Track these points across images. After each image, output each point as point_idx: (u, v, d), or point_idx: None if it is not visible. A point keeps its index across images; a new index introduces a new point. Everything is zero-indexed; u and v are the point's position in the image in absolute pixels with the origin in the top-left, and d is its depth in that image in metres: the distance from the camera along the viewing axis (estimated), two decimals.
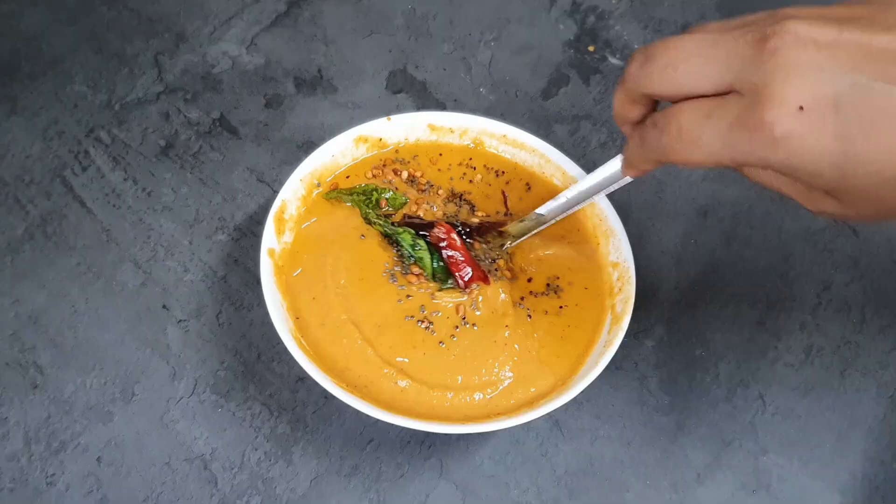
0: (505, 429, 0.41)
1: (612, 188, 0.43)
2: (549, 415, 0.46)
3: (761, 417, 0.48)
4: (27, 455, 0.43)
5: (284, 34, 0.63)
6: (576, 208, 0.46)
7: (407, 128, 0.51)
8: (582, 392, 0.41)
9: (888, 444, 0.47)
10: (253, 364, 0.47)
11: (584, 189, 0.44)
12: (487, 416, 0.42)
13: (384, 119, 0.51)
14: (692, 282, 0.53)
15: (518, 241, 0.48)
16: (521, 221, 0.48)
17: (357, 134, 0.50)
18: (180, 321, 0.48)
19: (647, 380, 0.48)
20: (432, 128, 0.52)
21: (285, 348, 0.41)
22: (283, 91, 0.59)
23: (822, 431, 0.47)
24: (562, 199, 0.46)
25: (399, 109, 0.59)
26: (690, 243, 0.54)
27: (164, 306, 0.49)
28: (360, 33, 0.63)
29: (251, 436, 0.44)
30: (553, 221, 0.47)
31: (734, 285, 0.53)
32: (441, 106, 0.60)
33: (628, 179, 0.41)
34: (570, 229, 0.50)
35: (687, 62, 0.30)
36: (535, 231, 0.48)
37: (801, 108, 0.27)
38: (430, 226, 0.47)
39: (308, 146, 0.56)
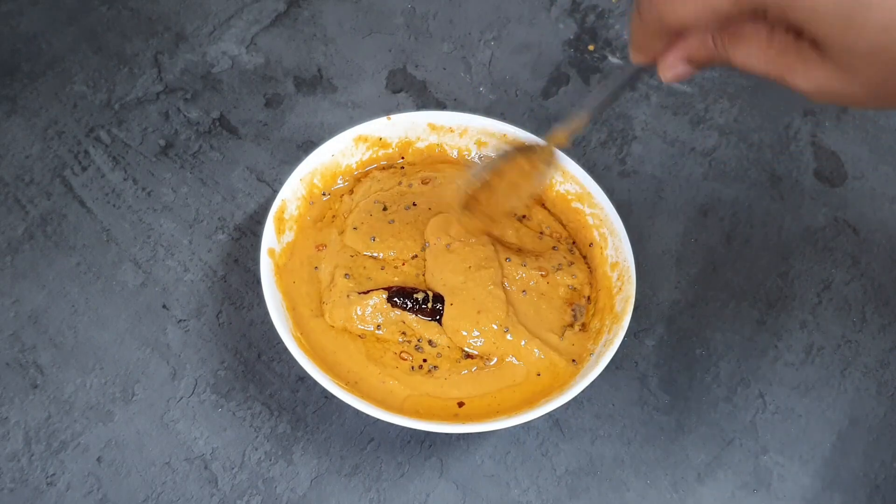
0: (505, 428, 0.41)
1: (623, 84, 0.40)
2: (550, 414, 0.46)
3: (762, 416, 0.48)
4: (27, 455, 0.43)
5: (284, 34, 0.63)
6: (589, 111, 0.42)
7: (407, 127, 0.51)
8: (582, 391, 0.41)
9: (889, 444, 0.47)
10: (253, 364, 0.47)
11: (598, 100, 0.40)
12: (488, 416, 0.42)
13: (384, 118, 0.51)
14: (692, 281, 0.53)
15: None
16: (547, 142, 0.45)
17: (357, 133, 0.50)
18: (180, 321, 0.48)
19: (648, 379, 0.48)
20: (432, 127, 0.52)
21: (285, 348, 0.41)
22: (282, 91, 0.59)
23: (822, 430, 0.47)
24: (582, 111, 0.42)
25: (399, 109, 0.59)
26: (691, 242, 0.54)
27: (164, 306, 0.48)
28: (359, 33, 0.63)
29: (251, 435, 0.44)
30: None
31: (734, 284, 0.53)
32: (441, 105, 0.60)
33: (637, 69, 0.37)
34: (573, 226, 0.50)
35: None
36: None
37: None
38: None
39: (308, 146, 0.56)
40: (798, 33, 0.27)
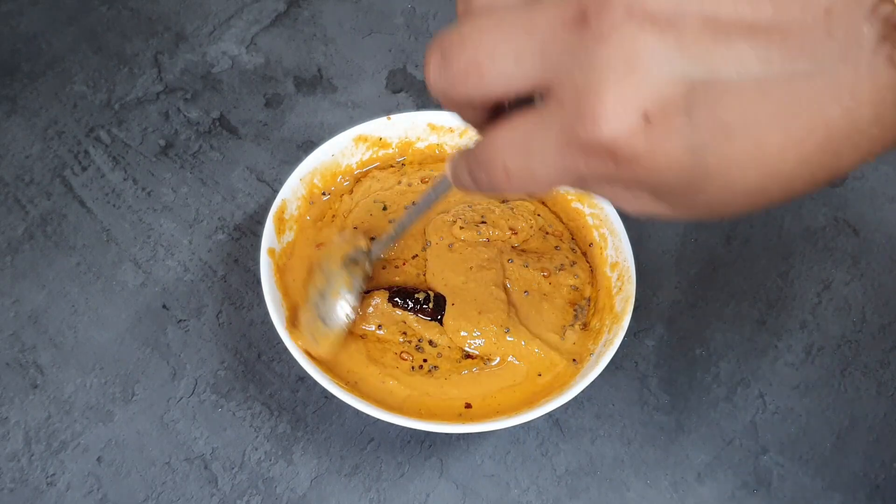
0: (505, 428, 0.41)
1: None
2: (550, 414, 0.46)
3: (761, 416, 0.48)
4: (27, 455, 0.43)
5: (284, 34, 0.63)
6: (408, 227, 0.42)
7: (407, 127, 0.51)
8: (582, 391, 0.41)
9: (889, 444, 0.47)
10: (253, 364, 0.47)
11: (411, 216, 0.40)
12: (488, 416, 0.42)
13: (384, 118, 0.51)
14: (692, 281, 0.53)
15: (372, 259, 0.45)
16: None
17: (357, 133, 0.50)
18: (180, 321, 0.48)
19: (648, 379, 0.48)
20: (432, 127, 0.52)
21: (285, 348, 0.41)
22: (282, 90, 0.59)
23: (822, 430, 0.47)
24: (394, 228, 0.42)
25: (399, 109, 0.59)
26: (690, 242, 0.54)
27: (164, 306, 0.48)
28: (359, 32, 0.63)
29: (251, 435, 0.44)
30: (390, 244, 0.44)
31: (734, 284, 0.53)
32: (441, 105, 0.60)
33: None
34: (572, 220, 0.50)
35: (492, 61, 0.23)
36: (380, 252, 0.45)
37: (646, 116, 0.20)
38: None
39: (308, 146, 0.56)
40: None
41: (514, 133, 0.24)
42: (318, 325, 0.42)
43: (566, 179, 0.24)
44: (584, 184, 0.24)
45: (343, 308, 0.43)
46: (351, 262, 0.44)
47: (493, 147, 0.24)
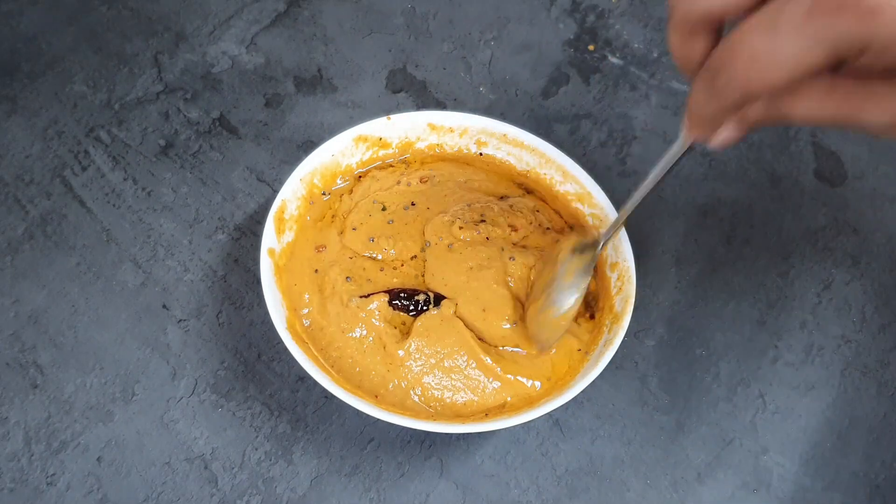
0: (505, 428, 0.41)
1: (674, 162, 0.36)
2: (550, 414, 0.46)
3: (762, 416, 0.48)
4: (27, 455, 0.43)
5: (284, 34, 0.63)
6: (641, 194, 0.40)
7: (407, 127, 0.51)
8: (582, 391, 0.41)
9: (889, 444, 0.47)
10: (253, 364, 0.47)
11: (651, 180, 0.38)
12: (487, 416, 0.42)
13: (384, 118, 0.51)
14: (692, 281, 0.53)
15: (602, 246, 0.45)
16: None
17: (357, 133, 0.50)
18: (180, 321, 0.48)
19: (648, 379, 0.48)
20: (432, 127, 0.52)
21: (285, 348, 0.41)
22: (282, 90, 0.59)
23: (822, 430, 0.47)
24: (635, 197, 0.41)
25: (399, 109, 0.59)
26: (691, 242, 0.54)
27: (164, 306, 0.49)
28: (359, 32, 0.63)
29: (251, 435, 0.44)
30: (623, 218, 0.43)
31: (734, 284, 0.53)
32: (441, 105, 0.60)
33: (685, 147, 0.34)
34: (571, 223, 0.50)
35: None
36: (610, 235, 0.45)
37: None
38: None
39: (308, 146, 0.56)
40: (865, 74, 0.27)
41: (759, 17, 0.25)
42: (549, 312, 0.44)
43: (813, 53, 0.25)
44: (835, 54, 0.25)
45: (572, 293, 0.44)
46: (579, 250, 0.45)
47: (740, 33, 0.26)
